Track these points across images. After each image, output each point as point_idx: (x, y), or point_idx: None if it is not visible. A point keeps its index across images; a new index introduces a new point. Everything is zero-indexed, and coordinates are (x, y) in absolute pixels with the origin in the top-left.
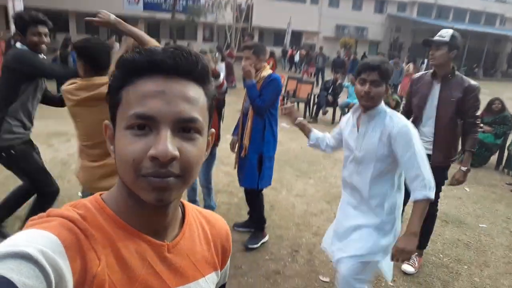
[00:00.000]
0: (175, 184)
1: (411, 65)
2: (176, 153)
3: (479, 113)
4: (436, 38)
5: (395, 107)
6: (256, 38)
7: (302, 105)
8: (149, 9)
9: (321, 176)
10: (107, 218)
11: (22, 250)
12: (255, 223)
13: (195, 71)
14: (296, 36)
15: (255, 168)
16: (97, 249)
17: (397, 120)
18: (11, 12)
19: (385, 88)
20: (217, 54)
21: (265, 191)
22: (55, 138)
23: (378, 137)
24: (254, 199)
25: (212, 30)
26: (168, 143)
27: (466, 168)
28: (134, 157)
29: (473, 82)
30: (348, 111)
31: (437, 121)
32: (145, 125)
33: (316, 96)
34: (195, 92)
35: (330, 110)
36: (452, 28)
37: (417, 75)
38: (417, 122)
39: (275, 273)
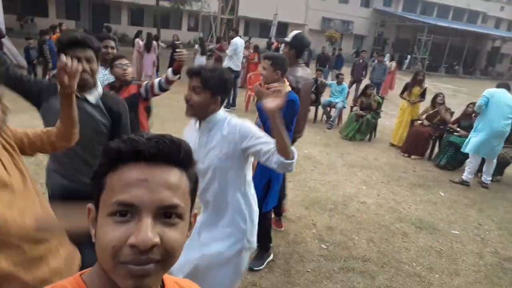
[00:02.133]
0: (155, 270)
1: (393, 63)
2: (157, 240)
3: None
4: (285, 38)
5: (376, 109)
6: (241, 29)
7: None
8: None
9: (300, 179)
10: None
11: None
12: (261, 242)
13: (177, 158)
14: (282, 28)
15: (260, 191)
16: None
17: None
18: None
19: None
20: (196, 46)
21: None
22: None
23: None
24: (260, 220)
25: (197, 20)
26: (148, 232)
27: None
28: (114, 244)
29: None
30: (330, 110)
31: None
32: (127, 212)
33: None
34: (177, 177)
35: (312, 108)
36: (435, 25)
37: None
38: None
39: (252, 285)
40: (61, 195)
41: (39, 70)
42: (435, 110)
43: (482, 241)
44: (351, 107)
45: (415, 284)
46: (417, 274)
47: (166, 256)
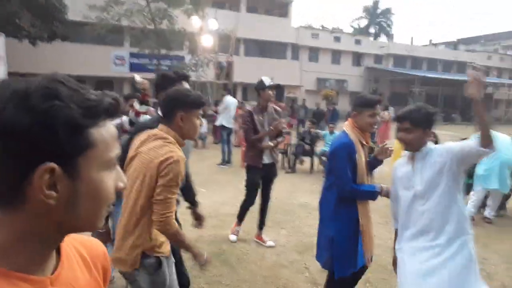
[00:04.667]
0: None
1: (386, 113)
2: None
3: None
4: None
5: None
6: (239, 94)
7: (280, 156)
8: (135, 70)
9: (294, 226)
10: None
11: None
12: None
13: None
14: (279, 90)
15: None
16: None
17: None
18: None
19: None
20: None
21: (233, 244)
22: None
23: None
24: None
25: (194, 87)
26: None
27: None
28: (112, 191)
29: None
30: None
31: None
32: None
33: (294, 147)
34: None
35: (307, 159)
36: (425, 76)
37: None
38: None
39: None
40: None
41: None
42: None
43: (488, 275)
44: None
45: None
46: None
47: None
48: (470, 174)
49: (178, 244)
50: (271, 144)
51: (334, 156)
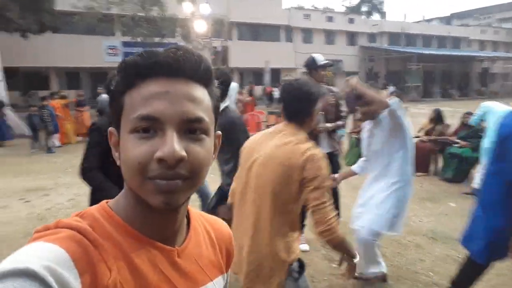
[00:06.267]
0: (183, 187)
1: (384, 91)
2: (184, 153)
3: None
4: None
5: None
6: (236, 79)
7: None
8: None
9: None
10: (116, 227)
11: (27, 267)
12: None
13: (198, 72)
14: (275, 73)
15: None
16: (108, 260)
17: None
18: None
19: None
20: None
21: None
22: (32, 193)
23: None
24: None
25: None
26: (175, 144)
27: None
28: (140, 160)
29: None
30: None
31: None
32: (150, 127)
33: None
34: (199, 92)
35: None
36: (421, 53)
37: None
38: None
39: None
40: None
41: (42, 135)
42: (432, 126)
43: None
44: (350, 134)
45: None
46: (435, 283)
47: (193, 173)
48: (477, 148)
49: (342, 251)
50: (327, 125)
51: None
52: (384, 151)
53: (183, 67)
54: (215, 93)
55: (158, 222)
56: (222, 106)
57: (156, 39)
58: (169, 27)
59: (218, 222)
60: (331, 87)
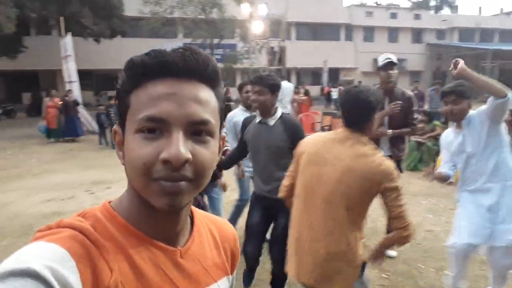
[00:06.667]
0: (187, 189)
1: None
2: (189, 156)
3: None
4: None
5: (437, 135)
6: (294, 79)
7: None
8: None
9: None
10: (119, 227)
11: (29, 267)
12: None
13: (205, 73)
14: (334, 73)
15: None
16: (109, 260)
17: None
18: None
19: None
20: None
21: None
22: (97, 186)
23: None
24: None
25: (248, 74)
26: (180, 146)
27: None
28: (145, 161)
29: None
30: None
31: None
32: (156, 128)
33: None
34: (206, 94)
35: None
36: (497, 49)
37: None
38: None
39: None
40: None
41: (108, 134)
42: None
43: None
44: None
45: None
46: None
47: (197, 175)
48: None
49: (401, 244)
50: (388, 131)
51: None
52: (486, 153)
53: (191, 67)
54: (221, 95)
55: (160, 222)
56: (279, 111)
57: (216, 40)
58: (227, 28)
59: (223, 223)
60: (405, 90)
